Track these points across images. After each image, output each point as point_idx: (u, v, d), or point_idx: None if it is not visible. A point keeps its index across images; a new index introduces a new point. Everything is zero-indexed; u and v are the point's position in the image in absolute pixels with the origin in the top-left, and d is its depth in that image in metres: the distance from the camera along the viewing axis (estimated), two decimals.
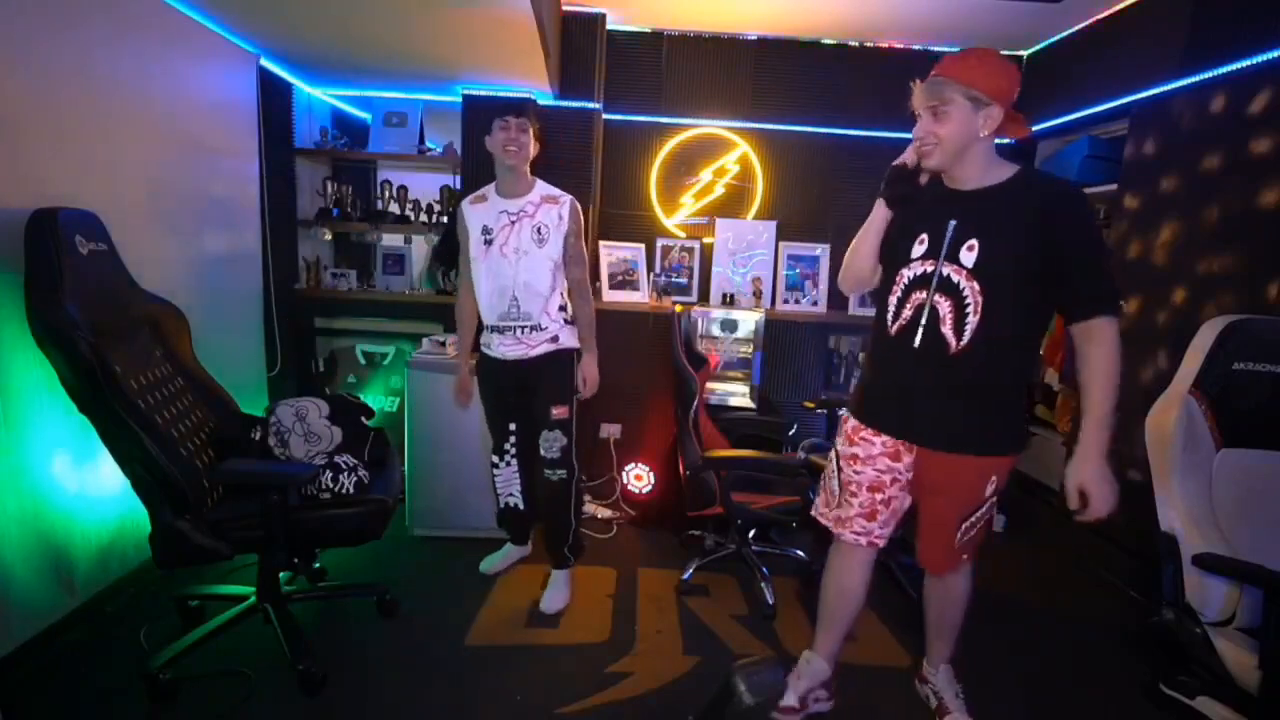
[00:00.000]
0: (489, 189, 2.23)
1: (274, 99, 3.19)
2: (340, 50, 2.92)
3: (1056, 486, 3.19)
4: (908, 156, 1.57)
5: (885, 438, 1.66)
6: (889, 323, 1.60)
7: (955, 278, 1.48)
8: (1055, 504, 3.17)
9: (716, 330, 3.40)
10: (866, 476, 1.69)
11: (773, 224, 3.57)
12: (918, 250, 1.55)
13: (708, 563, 2.59)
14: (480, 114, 3.30)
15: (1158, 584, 1.95)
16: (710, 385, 3.22)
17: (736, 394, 3.31)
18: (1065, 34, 3.23)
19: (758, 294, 3.52)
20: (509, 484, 2.41)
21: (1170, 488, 1.91)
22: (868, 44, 3.52)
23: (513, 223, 2.16)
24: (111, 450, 1.71)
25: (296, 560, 2.01)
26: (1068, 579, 2.80)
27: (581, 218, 2.26)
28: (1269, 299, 2.18)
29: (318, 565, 2.33)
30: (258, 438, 2.02)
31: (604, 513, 3.10)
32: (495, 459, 2.40)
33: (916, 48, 3.50)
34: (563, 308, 2.26)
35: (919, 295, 1.54)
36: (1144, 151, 2.74)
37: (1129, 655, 2.24)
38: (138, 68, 2.23)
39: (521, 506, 2.43)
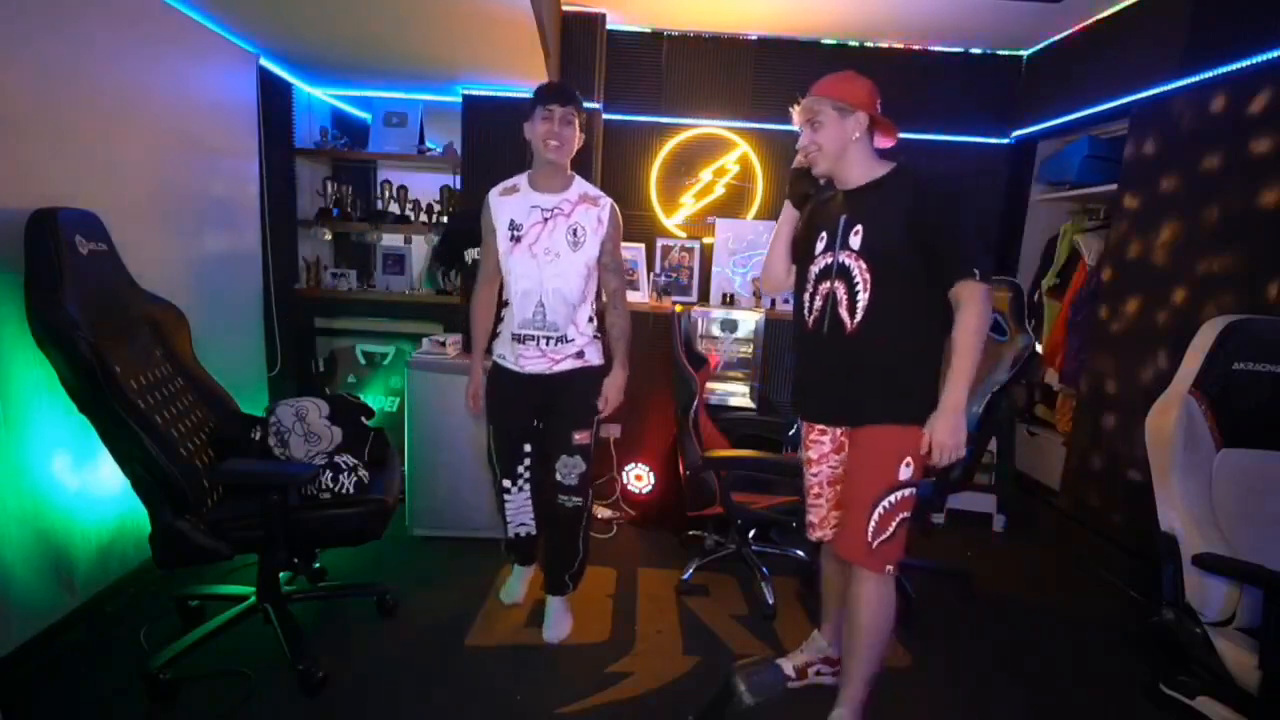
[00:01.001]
0: (521, 179, 2.00)
1: (274, 99, 3.19)
2: (340, 50, 2.92)
3: (1057, 486, 3.19)
4: (800, 160, 1.73)
5: (831, 433, 1.78)
6: (806, 318, 1.74)
7: (847, 261, 1.64)
8: (1055, 504, 3.18)
9: (716, 330, 3.40)
10: (824, 473, 1.82)
11: (773, 224, 3.56)
12: (820, 246, 1.71)
13: (708, 563, 2.59)
14: (480, 114, 3.31)
15: (1158, 584, 1.95)
16: (710, 385, 3.22)
17: (736, 394, 3.31)
18: (1065, 34, 3.23)
19: (758, 294, 3.52)
20: (521, 512, 2.17)
21: (1170, 488, 1.92)
22: (868, 44, 3.52)
23: (545, 220, 1.95)
24: (111, 450, 1.71)
25: (296, 560, 2.01)
26: (1068, 579, 2.80)
27: (621, 223, 2.07)
28: (1269, 299, 2.18)
29: (318, 565, 2.33)
30: (258, 438, 2.02)
31: (604, 513, 3.10)
32: (507, 484, 2.14)
33: (916, 48, 3.50)
34: (591, 319, 2.07)
35: (825, 286, 1.69)
36: (1144, 151, 2.74)
37: (1129, 655, 2.24)
38: (138, 67, 2.23)
39: (535, 532, 2.22)
